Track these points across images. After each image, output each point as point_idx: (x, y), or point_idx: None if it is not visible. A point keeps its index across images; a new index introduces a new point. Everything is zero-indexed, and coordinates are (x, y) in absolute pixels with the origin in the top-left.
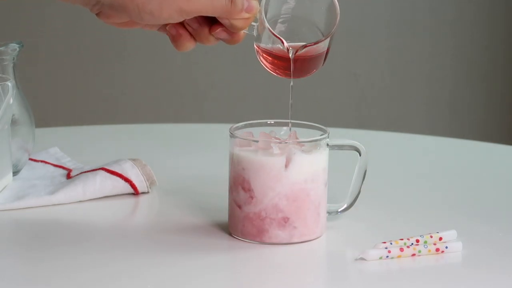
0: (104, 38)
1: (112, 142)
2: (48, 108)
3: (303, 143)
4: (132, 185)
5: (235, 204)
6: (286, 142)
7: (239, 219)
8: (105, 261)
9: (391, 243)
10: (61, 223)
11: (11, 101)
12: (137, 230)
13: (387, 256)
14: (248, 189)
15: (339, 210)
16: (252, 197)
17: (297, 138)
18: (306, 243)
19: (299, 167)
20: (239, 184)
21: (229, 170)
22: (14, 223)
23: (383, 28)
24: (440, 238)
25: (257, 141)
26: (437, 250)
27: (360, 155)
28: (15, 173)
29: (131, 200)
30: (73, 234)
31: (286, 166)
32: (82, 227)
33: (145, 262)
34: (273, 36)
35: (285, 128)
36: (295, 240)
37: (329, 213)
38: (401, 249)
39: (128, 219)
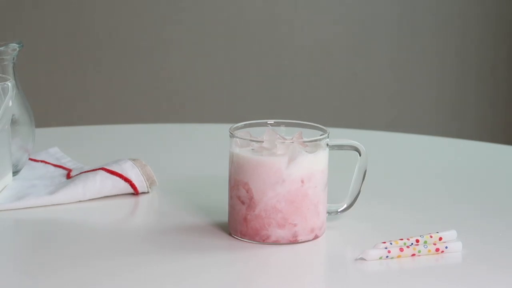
0: (104, 38)
1: (112, 142)
2: (48, 108)
3: (307, 144)
4: (132, 185)
5: (235, 204)
6: (290, 142)
7: (239, 219)
8: (105, 260)
9: (391, 243)
10: (61, 223)
11: (11, 101)
12: (137, 230)
13: (387, 256)
14: (247, 189)
15: (339, 210)
16: (251, 197)
17: (301, 138)
18: (306, 243)
19: (300, 167)
20: (239, 184)
21: (229, 170)
22: (14, 223)
23: (383, 27)
24: (440, 238)
25: (261, 142)
26: (437, 250)
27: (360, 155)
28: (15, 173)
29: (131, 200)
30: (73, 234)
31: (289, 164)
32: (82, 227)
33: (145, 262)
34: None
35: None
36: (295, 240)
37: (329, 213)
38: (401, 249)
39: (128, 219)
